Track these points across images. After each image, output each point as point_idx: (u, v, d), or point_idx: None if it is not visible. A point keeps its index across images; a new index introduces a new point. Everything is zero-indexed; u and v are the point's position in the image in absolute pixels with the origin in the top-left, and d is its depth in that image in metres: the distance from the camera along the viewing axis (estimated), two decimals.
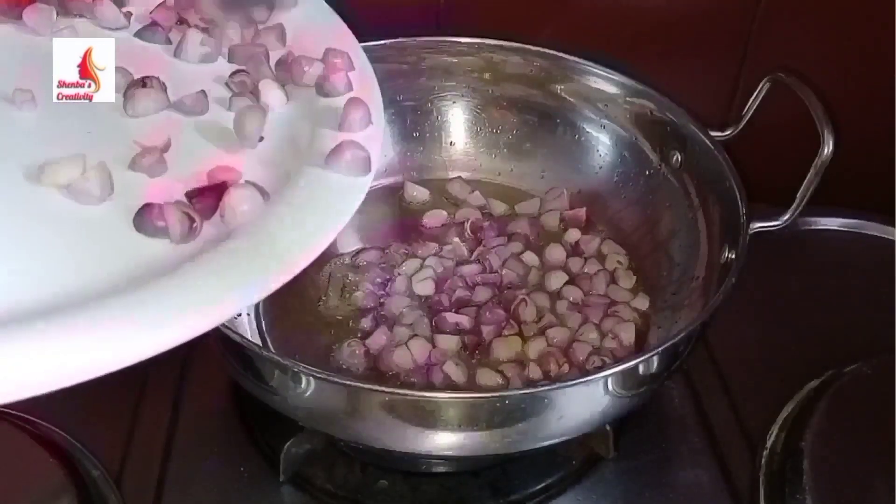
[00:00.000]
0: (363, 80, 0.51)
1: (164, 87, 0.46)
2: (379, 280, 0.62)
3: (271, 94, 0.48)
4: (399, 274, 0.62)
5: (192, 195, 0.41)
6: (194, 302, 0.36)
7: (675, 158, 0.64)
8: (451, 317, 0.59)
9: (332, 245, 0.64)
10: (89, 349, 0.34)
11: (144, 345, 0.34)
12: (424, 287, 0.61)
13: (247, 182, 0.42)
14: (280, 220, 0.40)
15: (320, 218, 0.41)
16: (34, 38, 0.48)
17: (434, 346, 0.57)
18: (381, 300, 0.61)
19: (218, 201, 0.41)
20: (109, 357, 0.33)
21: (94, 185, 0.40)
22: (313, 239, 0.40)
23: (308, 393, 0.46)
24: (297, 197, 0.42)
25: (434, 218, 0.67)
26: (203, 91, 0.47)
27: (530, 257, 0.64)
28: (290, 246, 0.39)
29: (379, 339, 0.58)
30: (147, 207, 0.39)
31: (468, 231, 0.66)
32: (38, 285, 0.36)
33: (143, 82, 0.46)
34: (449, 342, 0.57)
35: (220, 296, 0.37)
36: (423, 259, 0.63)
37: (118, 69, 0.46)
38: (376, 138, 0.47)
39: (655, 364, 0.49)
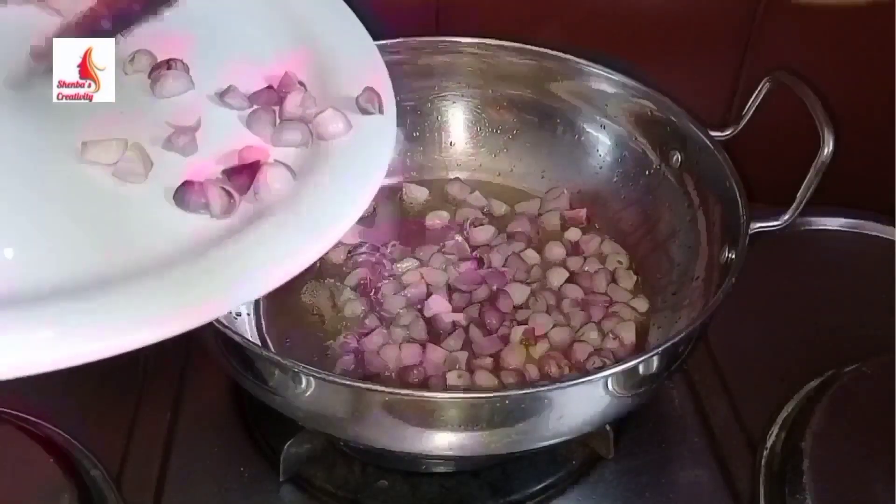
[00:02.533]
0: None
1: (187, 69, 0.48)
2: (377, 280, 0.62)
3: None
4: (397, 274, 0.62)
5: (230, 173, 0.43)
6: (242, 272, 0.39)
7: (675, 158, 0.64)
8: (448, 316, 0.59)
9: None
10: (141, 321, 0.36)
11: (195, 315, 0.37)
12: (420, 287, 0.61)
13: (276, 161, 0.45)
14: (310, 196, 0.43)
15: (346, 194, 0.44)
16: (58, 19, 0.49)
17: (425, 353, 0.57)
18: (379, 300, 0.61)
19: (252, 179, 0.43)
20: (162, 327, 0.36)
21: (136, 164, 0.43)
22: (342, 212, 0.43)
23: (308, 393, 0.46)
24: (323, 175, 0.45)
25: (436, 219, 0.67)
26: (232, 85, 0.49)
27: (531, 255, 0.64)
28: (322, 219, 0.42)
29: (375, 339, 0.58)
30: (187, 184, 0.42)
31: (468, 230, 0.66)
32: (81, 260, 0.38)
33: (168, 64, 0.48)
34: (451, 359, 0.57)
35: (265, 265, 0.39)
36: (423, 259, 0.63)
37: (143, 52, 0.48)
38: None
39: (655, 364, 0.49)
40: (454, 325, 0.59)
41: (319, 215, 0.42)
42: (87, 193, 0.42)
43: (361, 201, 0.44)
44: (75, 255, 0.38)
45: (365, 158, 0.46)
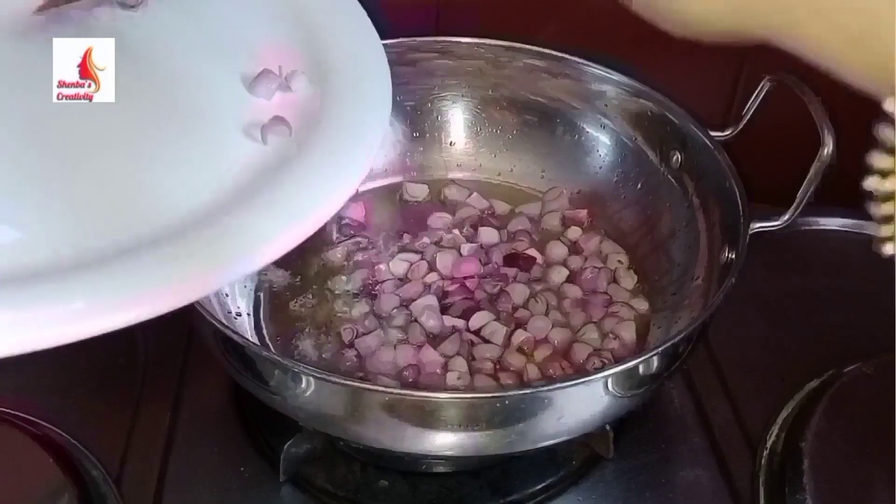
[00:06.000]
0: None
1: None
2: (378, 281, 0.62)
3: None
4: (396, 275, 0.62)
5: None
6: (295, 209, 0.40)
7: (675, 158, 0.64)
8: (449, 320, 0.59)
9: (330, 243, 0.65)
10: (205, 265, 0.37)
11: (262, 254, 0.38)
12: (417, 287, 0.61)
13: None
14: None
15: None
16: None
17: (419, 355, 0.57)
18: (378, 301, 0.61)
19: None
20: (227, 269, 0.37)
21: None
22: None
23: (308, 393, 0.46)
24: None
25: (438, 220, 0.67)
26: None
27: (531, 254, 0.64)
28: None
29: (373, 341, 0.58)
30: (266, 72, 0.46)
31: (468, 227, 0.66)
32: (87, 232, 0.38)
33: None
34: (457, 363, 0.57)
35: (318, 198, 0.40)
36: (421, 258, 0.63)
37: None
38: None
39: (655, 364, 0.49)
40: (453, 328, 0.58)
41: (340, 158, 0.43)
42: (90, 166, 0.41)
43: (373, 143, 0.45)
44: (82, 228, 0.38)
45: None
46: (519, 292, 0.61)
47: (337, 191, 0.42)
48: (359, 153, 0.44)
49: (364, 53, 0.50)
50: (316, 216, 0.40)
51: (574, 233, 0.66)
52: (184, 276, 0.36)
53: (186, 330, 0.62)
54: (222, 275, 0.38)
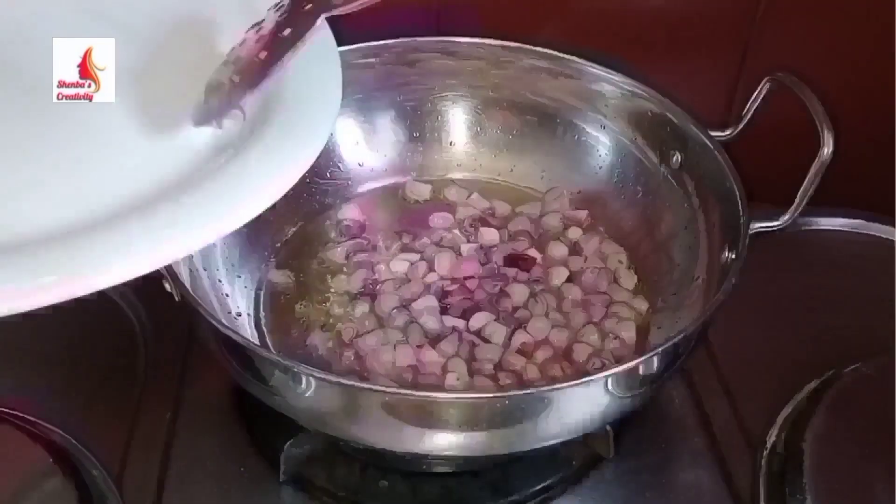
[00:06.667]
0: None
1: None
2: (378, 281, 0.62)
3: None
4: (396, 275, 0.62)
5: None
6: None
7: (675, 158, 0.64)
8: (449, 320, 0.59)
9: (330, 243, 0.65)
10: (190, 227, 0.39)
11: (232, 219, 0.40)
12: (417, 287, 0.61)
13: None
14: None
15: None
16: None
17: (418, 355, 0.57)
18: (378, 301, 0.61)
19: None
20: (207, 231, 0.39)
21: None
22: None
23: (308, 393, 0.46)
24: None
25: (439, 219, 0.67)
26: None
27: (532, 255, 0.64)
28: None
29: (372, 341, 0.58)
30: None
31: (467, 226, 0.66)
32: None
33: None
34: (456, 364, 0.57)
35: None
36: (421, 257, 0.63)
37: None
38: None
39: (655, 364, 0.48)
40: (453, 329, 0.58)
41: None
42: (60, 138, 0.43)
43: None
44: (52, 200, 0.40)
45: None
46: (519, 293, 0.61)
47: (286, 172, 0.43)
48: (310, 136, 0.45)
49: (316, 43, 0.51)
50: (267, 194, 0.41)
51: (574, 233, 0.66)
52: (138, 250, 0.37)
53: (186, 330, 0.62)
54: (176, 247, 0.39)
